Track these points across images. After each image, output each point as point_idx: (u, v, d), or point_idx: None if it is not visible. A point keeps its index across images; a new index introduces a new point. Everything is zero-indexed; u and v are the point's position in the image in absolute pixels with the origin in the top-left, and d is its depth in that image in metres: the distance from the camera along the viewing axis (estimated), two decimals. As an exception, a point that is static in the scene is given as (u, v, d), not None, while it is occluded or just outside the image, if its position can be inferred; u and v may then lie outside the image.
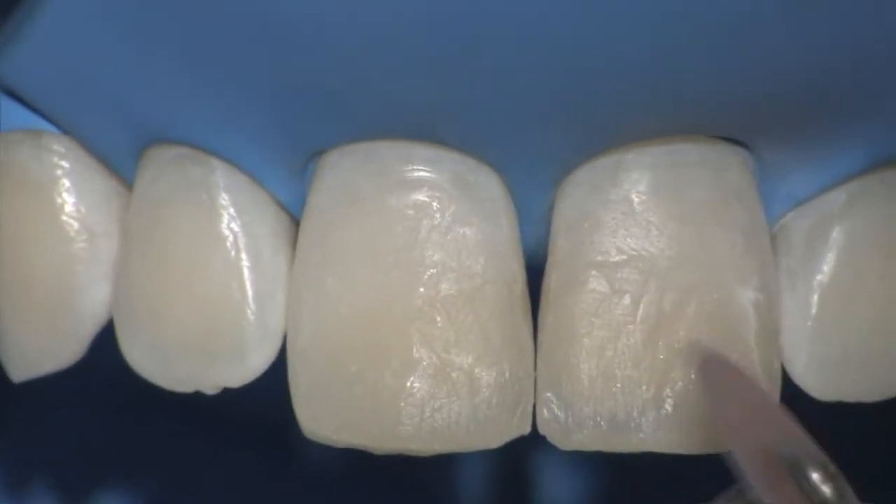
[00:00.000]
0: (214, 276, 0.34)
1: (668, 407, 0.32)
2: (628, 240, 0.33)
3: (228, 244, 0.34)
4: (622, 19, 0.29)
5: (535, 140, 0.32)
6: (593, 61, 0.29)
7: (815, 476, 0.26)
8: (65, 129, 0.36)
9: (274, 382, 0.34)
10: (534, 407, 0.33)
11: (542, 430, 0.33)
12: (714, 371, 0.30)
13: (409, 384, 0.32)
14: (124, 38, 0.32)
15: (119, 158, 0.36)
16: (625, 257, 0.33)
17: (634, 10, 0.28)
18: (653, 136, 0.32)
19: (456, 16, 0.29)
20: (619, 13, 0.28)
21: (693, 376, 0.31)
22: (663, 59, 0.30)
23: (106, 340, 0.36)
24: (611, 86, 0.30)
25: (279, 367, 0.34)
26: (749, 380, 0.30)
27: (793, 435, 0.28)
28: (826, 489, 0.26)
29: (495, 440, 0.33)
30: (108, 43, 0.32)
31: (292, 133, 0.33)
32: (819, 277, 0.34)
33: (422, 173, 0.33)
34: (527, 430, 0.33)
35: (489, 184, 0.33)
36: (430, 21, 0.29)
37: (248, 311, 0.34)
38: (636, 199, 0.33)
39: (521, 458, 0.53)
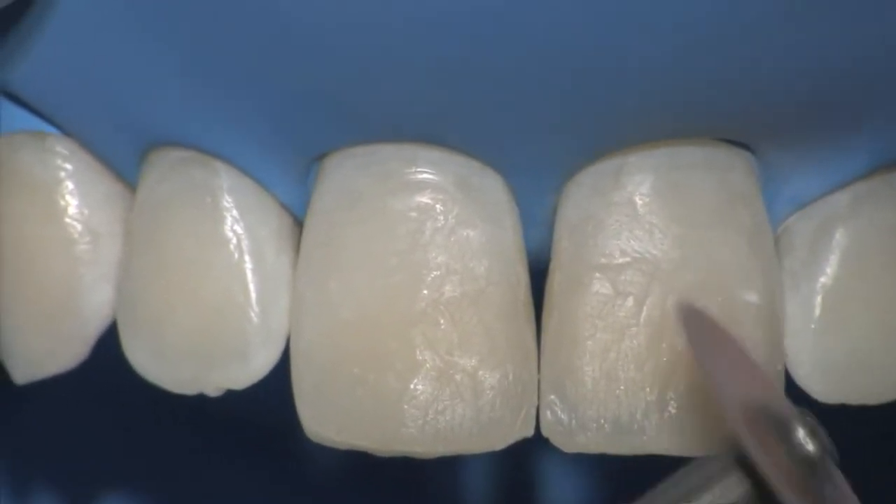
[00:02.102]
0: (218, 278, 0.34)
1: (672, 409, 0.32)
2: (631, 242, 0.33)
3: (232, 246, 0.34)
4: (627, 25, 0.29)
5: (539, 143, 0.32)
6: (598, 65, 0.29)
7: (800, 433, 0.26)
8: (69, 132, 0.36)
9: (277, 384, 0.34)
10: (537, 409, 0.33)
11: (545, 432, 0.33)
12: (698, 327, 0.30)
13: (412, 386, 0.32)
14: (129, 44, 0.32)
15: (123, 161, 0.36)
16: (628, 259, 0.33)
17: (639, 16, 0.28)
18: (656, 138, 0.32)
19: (460, 19, 0.29)
20: (623, 19, 0.28)
21: (679, 331, 0.31)
22: (667, 64, 0.29)
23: (109, 342, 0.36)
24: (615, 90, 0.30)
25: (282, 369, 0.34)
26: (731, 337, 0.30)
27: (774, 393, 0.28)
28: (810, 446, 0.26)
29: (499, 442, 0.33)
30: (114, 49, 0.32)
31: (296, 136, 0.33)
32: (822, 280, 0.34)
33: (425, 176, 0.33)
34: (530, 432, 0.33)
35: (493, 186, 0.33)
36: (434, 24, 0.29)
37: (252, 313, 0.34)
38: (639, 202, 0.33)
39: (524, 460, 0.53)
